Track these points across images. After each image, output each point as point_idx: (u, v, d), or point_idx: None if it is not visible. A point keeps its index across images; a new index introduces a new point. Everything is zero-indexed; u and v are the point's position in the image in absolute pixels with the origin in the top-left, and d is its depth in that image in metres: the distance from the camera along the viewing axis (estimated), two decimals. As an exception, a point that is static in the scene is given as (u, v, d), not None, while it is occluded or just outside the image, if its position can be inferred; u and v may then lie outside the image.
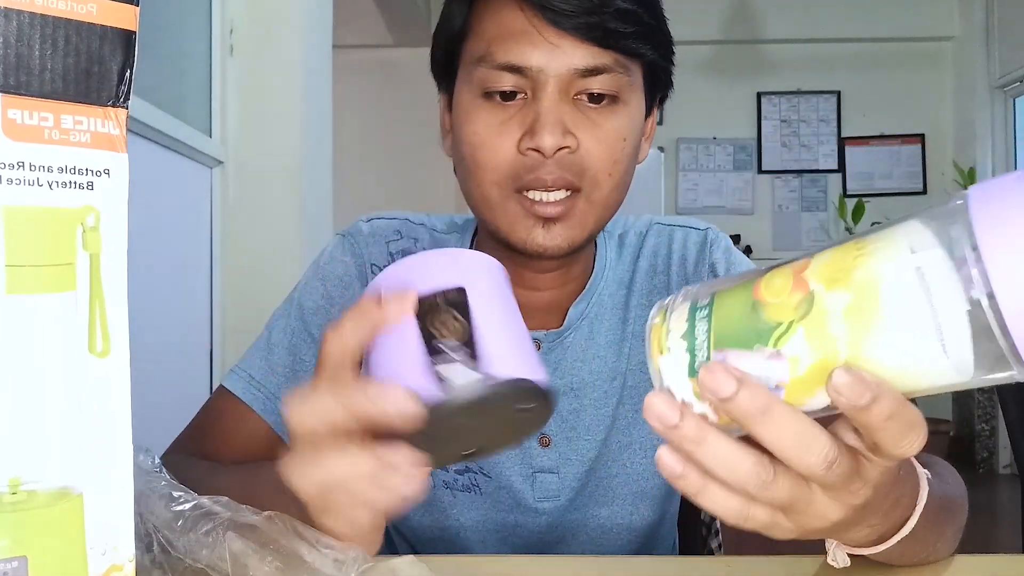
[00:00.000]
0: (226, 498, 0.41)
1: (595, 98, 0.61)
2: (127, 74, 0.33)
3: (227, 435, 0.69)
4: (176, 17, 1.91)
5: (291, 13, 1.85)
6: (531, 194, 0.61)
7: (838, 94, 4.51)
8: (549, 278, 0.70)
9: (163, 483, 0.41)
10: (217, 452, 0.67)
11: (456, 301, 0.38)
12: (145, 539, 0.39)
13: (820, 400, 0.31)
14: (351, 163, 3.53)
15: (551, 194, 0.61)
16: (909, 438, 0.31)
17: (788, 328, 0.30)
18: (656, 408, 0.32)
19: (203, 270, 1.99)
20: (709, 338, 0.32)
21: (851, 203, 4.22)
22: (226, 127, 2.06)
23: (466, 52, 0.64)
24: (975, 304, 0.27)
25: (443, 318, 0.38)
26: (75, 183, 0.32)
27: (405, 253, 0.73)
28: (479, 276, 0.41)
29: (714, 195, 4.54)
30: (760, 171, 4.56)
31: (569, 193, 0.61)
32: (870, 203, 4.24)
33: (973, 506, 0.55)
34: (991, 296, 0.26)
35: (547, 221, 0.61)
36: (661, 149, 4.55)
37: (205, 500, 0.41)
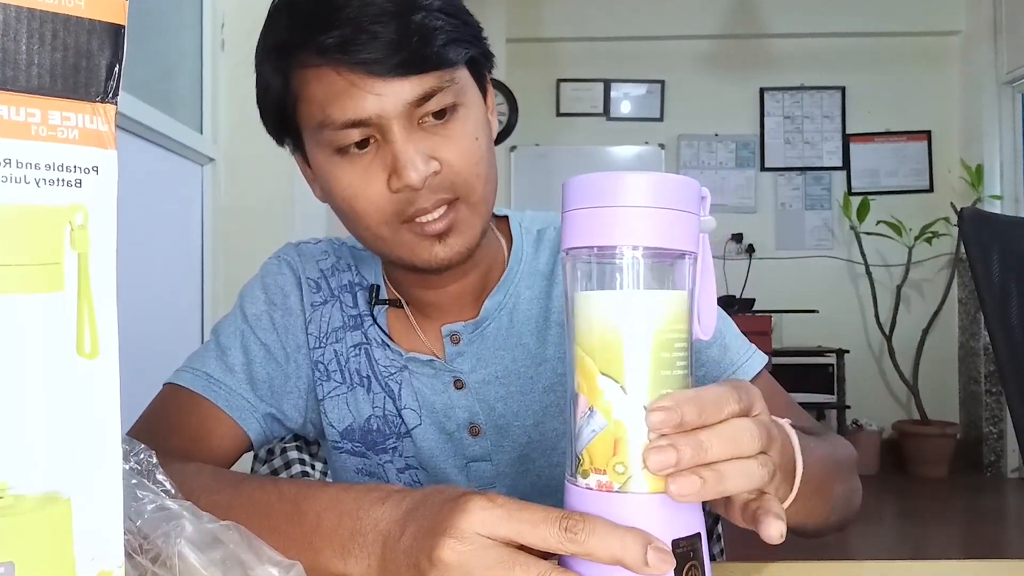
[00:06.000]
0: (190, 503, 0.42)
1: (438, 115, 0.65)
2: (116, 69, 0.32)
3: (195, 432, 0.72)
4: (166, 11, 1.90)
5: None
6: (418, 219, 0.66)
7: (843, 90, 4.49)
8: (451, 273, 0.73)
9: (133, 480, 0.40)
10: (184, 449, 0.70)
11: (695, 546, 0.41)
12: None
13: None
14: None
15: (434, 213, 0.66)
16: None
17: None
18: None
19: (194, 269, 1.98)
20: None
21: (856, 201, 4.18)
22: (217, 124, 2.05)
23: (303, 118, 0.66)
24: None
25: (689, 564, 0.41)
26: (63, 180, 0.31)
27: (334, 268, 0.81)
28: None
29: (716, 193, 4.51)
30: (763, 168, 4.53)
31: (449, 205, 0.66)
32: (875, 201, 4.21)
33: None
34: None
35: (440, 236, 0.66)
36: (662, 146, 4.52)
37: (169, 502, 0.41)
